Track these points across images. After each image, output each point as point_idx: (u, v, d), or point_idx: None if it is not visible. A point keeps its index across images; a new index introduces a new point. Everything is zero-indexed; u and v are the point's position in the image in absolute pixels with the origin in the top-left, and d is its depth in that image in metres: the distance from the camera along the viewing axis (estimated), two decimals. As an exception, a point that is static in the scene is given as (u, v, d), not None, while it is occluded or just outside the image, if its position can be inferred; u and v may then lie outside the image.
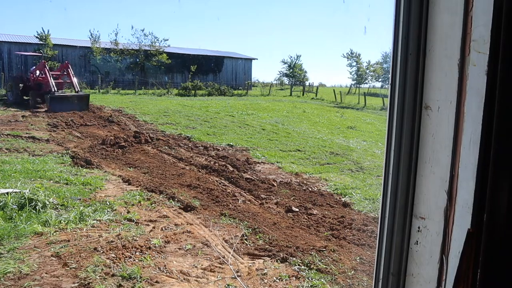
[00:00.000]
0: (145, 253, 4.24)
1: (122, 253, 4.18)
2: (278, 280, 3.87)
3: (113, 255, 4.14)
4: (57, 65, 31.16)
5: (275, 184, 7.30)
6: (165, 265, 4.02)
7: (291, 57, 52.68)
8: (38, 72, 19.38)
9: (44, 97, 17.90)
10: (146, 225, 5.12)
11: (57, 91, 17.15)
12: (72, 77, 18.68)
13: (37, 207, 5.19)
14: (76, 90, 18.44)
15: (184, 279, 3.81)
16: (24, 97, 19.44)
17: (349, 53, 49.69)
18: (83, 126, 13.75)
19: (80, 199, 5.94)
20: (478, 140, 0.87)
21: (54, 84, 17.49)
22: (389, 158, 1.10)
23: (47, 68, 18.19)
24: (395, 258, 1.10)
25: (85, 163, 8.29)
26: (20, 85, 19.60)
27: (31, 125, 13.18)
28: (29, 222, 4.80)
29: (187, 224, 5.23)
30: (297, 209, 5.93)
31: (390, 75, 1.10)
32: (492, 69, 0.84)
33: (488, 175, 0.84)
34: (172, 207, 5.90)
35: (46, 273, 3.75)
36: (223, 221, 5.39)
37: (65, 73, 19.29)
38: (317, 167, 8.88)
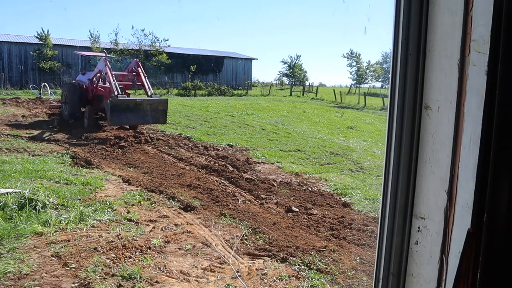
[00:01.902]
0: (145, 253, 4.24)
1: (122, 253, 4.18)
2: (278, 280, 3.86)
3: (113, 255, 4.14)
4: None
5: (275, 184, 7.30)
6: (165, 265, 4.02)
7: (291, 57, 52.63)
8: (97, 75, 13.51)
9: (104, 111, 12.99)
10: (146, 225, 5.12)
11: (121, 94, 11.68)
12: (143, 77, 12.90)
13: (37, 207, 5.19)
14: (149, 93, 12.49)
15: (184, 279, 3.81)
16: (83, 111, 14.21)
17: (349, 53, 49.69)
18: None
19: (80, 199, 5.94)
20: (478, 140, 0.87)
21: (117, 86, 11.88)
22: (389, 158, 1.10)
23: (109, 65, 12.37)
24: (395, 258, 1.10)
25: (85, 163, 8.29)
26: (78, 97, 13.94)
27: (31, 125, 13.18)
28: (29, 222, 4.80)
29: (187, 224, 5.23)
30: (297, 209, 5.93)
31: (390, 75, 1.10)
32: (492, 69, 0.84)
33: (488, 175, 0.84)
34: (172, 207, 5.90)
35: (46, 273, 3.75)
36: (223, 221, 5.39)
37: (134, 73, 13.30)
38: (317, 167, 8.88)
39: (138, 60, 13.83)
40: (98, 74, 13.27)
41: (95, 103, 13.41)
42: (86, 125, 12.86)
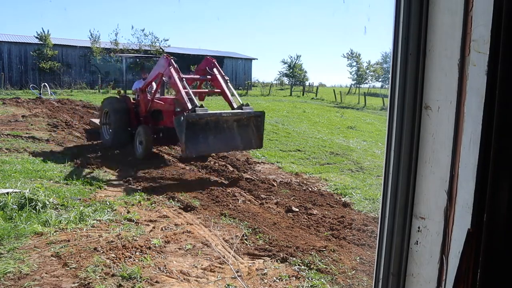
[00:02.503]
0: (145, 253, 4.24)
1: (122, 253, 4.18)
2: (278, 280, 3.86)
3: (113, 255, 4.14)
4: (54, 67, 29.80)
5: (275, 184, 7.30)
6: (165, 265, 4.02)
7: (291, 57, 52.65)
8: (151, 83, 9.48)
9: (160, 133, 9.33)
10: (146, 225, 5.12)
11: (198, 107, 7.48)
12: (222, 82, 8.71)
13: (37, 207, 5.19)
14: (236, 105, 8.29)
15: (184, 279, 3.81)
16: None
17: (349, 53, 49.72)
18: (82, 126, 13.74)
19: (80, 199, 5.94)
20: (478, 140, 0.87)
21: (191, 95, 7.86)
22: (389, 158, 1.10)
23: (175, 65, 8.31)
24: (395, 258, 1.10)
25: (85, 163, 8.28)
26: (124, 115, 9.84)
27: (31, 125, 13.18)
28: (29, 222, 4.80)
29: (187, 224, 5.22)
30: (297, 209, 5.93)
31: (390, 75, 1.10)
32: (492, 69, 0.84)
33: (488, 175, 0.84)
34: (172, 207, 5.90)
35: (46, 273, 3.75)
36: (223, 221, 5.39)
37: (208, 76, 8.99)
38: (317, 167, 8.88)
39: (212, 58, 9.27)
40: (154, 80, 9.24)
41: (151, 121, 9.34)
42: (139, 154, 8.87)
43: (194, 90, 8.59)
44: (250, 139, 7.97)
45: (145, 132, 8.79)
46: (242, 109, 7.99)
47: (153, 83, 9.46)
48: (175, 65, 8.28)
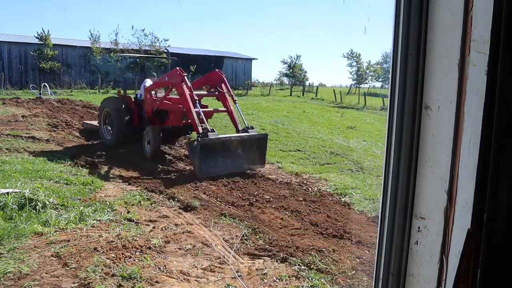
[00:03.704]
0: (145, 253, 4.24)
1: (122, 253, 4.18)
2: (278, 280, 3.86)
3: (113, 255, 4.14)
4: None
5: (275, 184, 7.29)
6: (165, 265, 4.02)
7: (291, 57, 52.59)
8: (156, 88, 9.96)
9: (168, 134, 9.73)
10: (146, 225, 5.12)
11: (210, 131, 7.77)
12: (231, 102, 8.97)
13: (37, 207, 5.19)
14: (242, 128, 8.62)
15: (184, 279, 3.81)
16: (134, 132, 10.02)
17: (349, 53, 49.76)
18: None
19: (80, 199, 5.94)
20: (478, 140, 0.87)
21: (204, 116, 8.13)
22: (389, 158, 1.10)
23: (188, 83, 8.45)
24: (395, 258, 1.10)
25: (85, 163, 8.28)
26: (126, 115, 9.81)
27: (31, 125, 13.18)
28: (29, 222, 4.80)
29: (187, 224, 5.23)
30: (297, 209, 5.92)
31: (390, 75, 1.10)
32: (492, 69, 0.84)
33: (488, 175, 0.84)
34: (172, 207, 5.90)
35: (46, 273, 3.75)
36: (223, 221, 5.39)
37: (213, 90, 9.23)
38: (317, 167, 8.88)
39: (220, 71, 9.31)
40: (164, 87, 9.74)
41: (156, 121, 9.46)
42: (148, 153, 9.00)
43: (203, 109, 8.60)
44: (254, 160, 8.30)
45: (153, 132, 8.92)
46: (247, 131, 8.38)
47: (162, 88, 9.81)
48: (188, 83, 8.43)
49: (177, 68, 8.83)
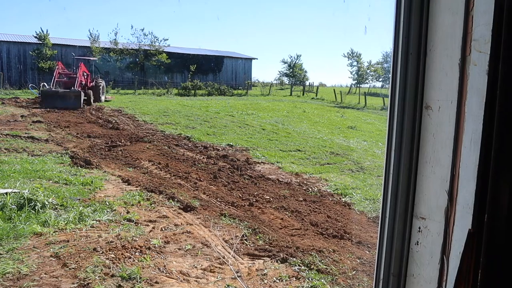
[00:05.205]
0: (145, 254, 4.23)
1: (122, 254, 4.18)
2: (278, 281, 3.86)
3: (112, 255, 4.13)
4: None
5: (275, 184, 7.29)
6: (164, 266, 4.02)
7: (291, 57, 52.67)
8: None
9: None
10: (145, 225, 5.11)
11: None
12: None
13: (36, 207, 5.18)
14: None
15: (183, 279, 3.80)
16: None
17: (350, 53, 49.77)
18: (82, 125, 13.74)
19: (79, 199, 5.93)
20: (479, 140, 0.86)
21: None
22: (390, 158, 1.10)
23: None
24: (396, 258, 1.10)
25: (85, 163, 8.27)
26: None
27: (30, 124, 13.17)
28: (28, 223, 4.79)
29: (187, 224, 5.22)
30: (297, 209, 5.91)
31: (390, 75, 1.10)
32: (493, 69, 0.83)
33: (489, 175, 0.83)
34: (172, 207, 5.89)
35: (45, 274, 3.74)
36: (223, 221, 5.39)
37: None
38: (317, 167, 8.88)
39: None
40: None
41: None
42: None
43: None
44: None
45: None
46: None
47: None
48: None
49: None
